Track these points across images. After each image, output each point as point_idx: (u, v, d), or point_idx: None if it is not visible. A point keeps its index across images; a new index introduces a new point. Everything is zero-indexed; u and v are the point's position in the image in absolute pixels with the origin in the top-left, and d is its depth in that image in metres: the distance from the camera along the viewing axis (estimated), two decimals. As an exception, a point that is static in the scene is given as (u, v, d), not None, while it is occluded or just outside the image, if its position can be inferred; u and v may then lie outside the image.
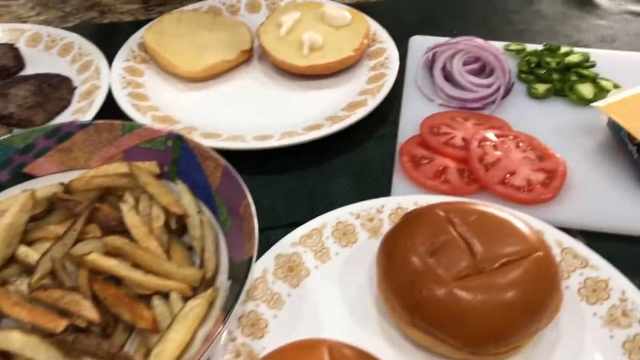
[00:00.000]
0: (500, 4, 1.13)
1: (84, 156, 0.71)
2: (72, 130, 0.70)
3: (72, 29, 1.07)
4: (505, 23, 1.08)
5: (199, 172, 0.66)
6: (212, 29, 1.00)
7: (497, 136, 0.79)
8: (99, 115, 0.85)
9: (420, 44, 0.98)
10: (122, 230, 0.64)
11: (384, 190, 0.77)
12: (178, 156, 0.68)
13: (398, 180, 0.76)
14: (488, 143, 0.77)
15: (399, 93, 0.91)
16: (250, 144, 0.80)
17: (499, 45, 0.96)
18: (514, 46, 0.97)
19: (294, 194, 0.78)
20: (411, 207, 0.69)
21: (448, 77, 0.90)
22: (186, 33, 0.98)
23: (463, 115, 0.84)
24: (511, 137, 0.79)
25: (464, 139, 0.79)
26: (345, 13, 0.98)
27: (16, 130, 0.83)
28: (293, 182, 0.79)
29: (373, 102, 0.85)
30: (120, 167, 0.69)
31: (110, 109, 0.88)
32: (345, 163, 0.82)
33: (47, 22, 1.12)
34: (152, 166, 0.69)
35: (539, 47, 0.96)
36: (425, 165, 0.76)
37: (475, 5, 1.13)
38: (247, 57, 0.97)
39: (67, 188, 0.67)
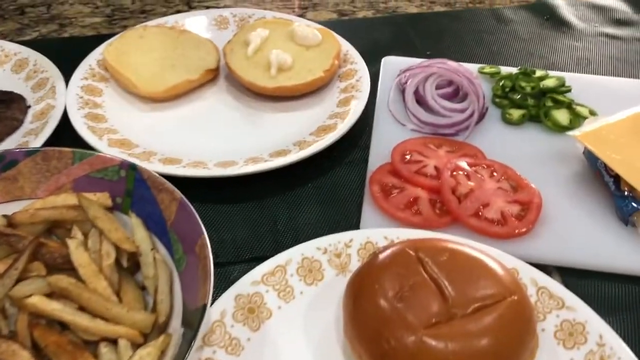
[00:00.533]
0: (475, 25, 1.11)
1: (30, 186, 0.66)
2: (17, 158, 0.65)
3: (29, 43, 1.02)
4: (479, 44, 1.06)
5: (154, 205, 0.62)
6: (177, 46, 0.95)
7: (470, 165, 0.76)
8: (54, 138, 0.80)
9: (393, 64, 0.95)
10: (69, 268, 0.59)
11: (354, 220, 0.73)
12: (132, 187, 0.64)
13: (367, 210, 0.72)
14: (461, 172, 0.74)
15: (371, 116, 0.87)
16: (212, 171, 0.76)
17: (473, 67, 0.94)
18: (488, 69, 0.94)
19: (258, 225, 0.73)
20: (381, 241, 0.65)
21: (421, 100, 0.87)
22: (149, 50, 0.94)
23: (435, 142, 0.81)
24: (485, 166, 0.76)
25: (436, 168, 0.76)
26: (315, 32, 0.94)
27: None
28: (257, 212, 0.75)
29: (343, 127, 0.82)
30: (69, 199, 0.64)
31: (65, 130, 0.83)
32: (313, 191, 0.78)
33: (2, 35, 1.07)
34: (103, 198, 0.64)
35: (514, 70, 0.94)
36: (396, 196, 0.73)
37: (449, 26, 1.11)
38: (212, 76, 0.93)
39: (10, 221, 0.62)
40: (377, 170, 0.76)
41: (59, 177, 0.66)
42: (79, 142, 0.80)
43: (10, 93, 0.89)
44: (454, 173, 0.74)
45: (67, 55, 0.99)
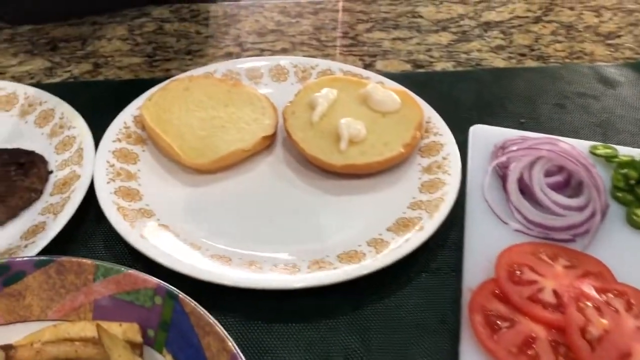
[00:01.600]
0: (575, 86, 0.94)
1: (40, 305, 0.51)
2: (25, 269, 0.51)
3: (58, 87, 0.89)
4: (582, 111, 0.89)
5: (197, 350, 0.47)
6: (228, 102, 0.81)
7: (599, 291, 0.59)
8: (77, 216, 0.66)
9: (484, 136, 0.79)
10: None
11: (448, 359, 0.57)
12: (169, 320, 0.48)
13: (468, 350, 0.56)
14: (589, 303, 0.57)
15: (460, 204, 0.71)
16: (268, 277, 0.60)
17: (581, 146, 0.77)
18: (602, 149, 0.77)
19: (322, 358, 0.57)
20: (491, 406, 0.49)
21: (525, 190, 0.70)
22: (195, 107, 0.79)
23: (549, 251, 0.64)
24: (617, 293, 0.59)
25: (555, 293, 0.59)
26: (394, 96, 0.78)
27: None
28: (319, 335, 0.59)
29: (431, 225, 0.65)
30: (88, 329, 0.49)
31: (91, 204, 0.69)
32: (392, 310, 0.62)
33: (30, 75, 0.94)
34: (131, 331, 0.49)
35: (634, 151, 0.77)
36: (505, 332, 0.56)
37: (544, 85, 0.94)
38: (269, 143, 0.78)
39: (9, 357, 0.48)
40: (478, 290, 0.60)
41: (77, 295, 0.51)
42: (104, 222, 0.66)
43: (32, 154, 0.75)
44: (581, 304, 0.57)
45: (99, 103, 0.86)
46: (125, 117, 0.78)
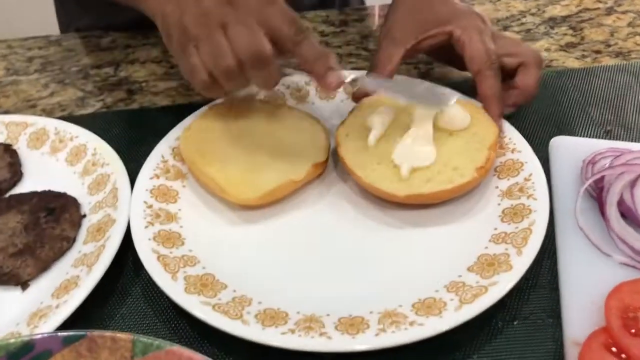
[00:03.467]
0: (666, 85, 0.82)
1: (70, 388, 0.43)
2: (51, 347, 0.43)
3: (90, 118, 0.83)
4: (677, 113, 0.77)
5: None
6: (275, 127, 0.72)
7: None
8: (113, 264, 0.59)
9: (567, 149, 0.69)
10: None
11: None
12: (221, 407, 0.40)
13: (582, 422, 0.46)
14: None
15: (549, 232, 0.60)
16: (332, 337, 0.51)
17: (687, 155, 0.65)
18: None
19: None
20: None
21: (626, 213, 0.60)
22: (238, 134, 0.71)
23: (667, 290, 0.53)
24: None
25: (684, 345, 0.48)
26: (464, 113, 0.68)
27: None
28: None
29: (521, 263, 0.55)
30: (126, 419, 0.41)
31: (128, 252, 0.62)
32: (481, 367, 0.52)
33: (61, 107, 0.87)
34: (177, 421, 0.41)
35: None
36: (628, 399, 0.46)
37: (628, 87, 0.82)
38: (321, 171, 0.69)
39: None
40: (587, 344, 0.49)
41: (112, 376, 0.43)
42: (144, 271, 0.59)
43: (63, 196, 0.68)
44: None
45: (135, 134, 0.80)
46: (163, 150, 0.71)
